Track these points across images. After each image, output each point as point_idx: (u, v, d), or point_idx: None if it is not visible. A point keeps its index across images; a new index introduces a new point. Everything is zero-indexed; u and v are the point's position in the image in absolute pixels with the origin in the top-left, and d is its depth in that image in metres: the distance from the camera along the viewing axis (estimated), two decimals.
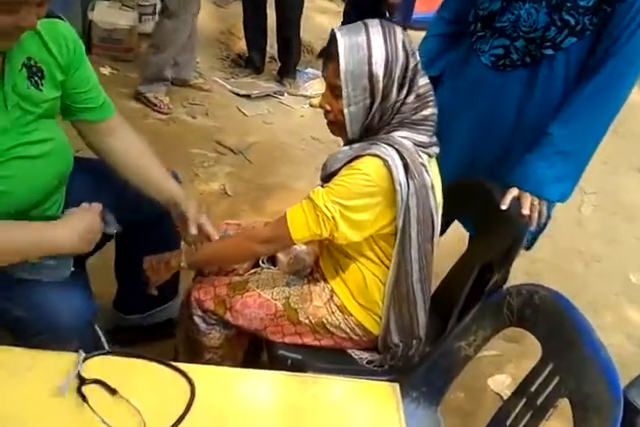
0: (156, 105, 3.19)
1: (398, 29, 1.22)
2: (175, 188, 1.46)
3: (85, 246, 1.23)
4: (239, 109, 3.42)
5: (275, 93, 3.63)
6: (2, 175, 1.22)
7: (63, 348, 1.17)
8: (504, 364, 2.10)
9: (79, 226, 1.21)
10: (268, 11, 3.59)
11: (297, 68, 3.76)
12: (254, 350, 1.56)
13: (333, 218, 1.21)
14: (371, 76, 1.18)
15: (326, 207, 1.20)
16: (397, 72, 1.20)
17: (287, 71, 3.71)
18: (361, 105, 1.21)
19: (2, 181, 1.22)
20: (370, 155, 1.20)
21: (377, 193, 1.20)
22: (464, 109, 1.56)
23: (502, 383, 2.00)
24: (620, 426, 1.09)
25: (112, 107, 1.45)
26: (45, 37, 1.25)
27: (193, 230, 1.40)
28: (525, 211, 1.36)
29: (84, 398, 1.04)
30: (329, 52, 1.21)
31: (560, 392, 0.98)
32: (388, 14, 3.13)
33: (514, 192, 1.39)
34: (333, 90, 1.23)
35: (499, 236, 1.34)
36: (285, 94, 3.66)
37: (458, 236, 1.68)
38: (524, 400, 1.06)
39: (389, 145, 1.20)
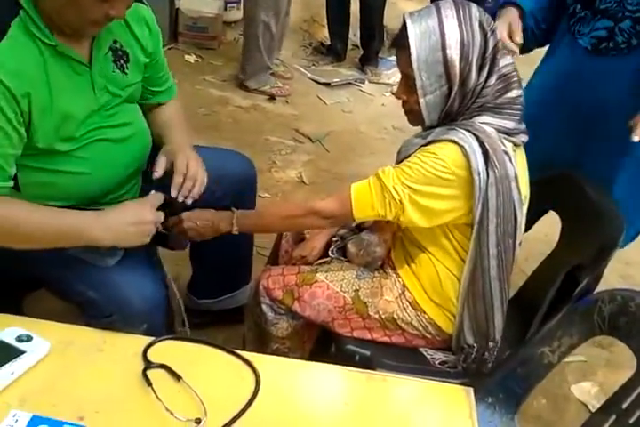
0: (275, 94, 3.24)
1: (474, 8, 1.14)
2: (179, 141, 1.42)
3: (132, 240, 1.19)
4: (319, 97, 3.39)
5: (355, 81, 3.57)
6: (83, 157, 1.24)
7: (132, 330, 1.18)
8: (591, 371, 1.97)
9: (117, 220, 1.17)
10: None
11: (379, 55, 3.68)
12: (323, 343, 1.52)
13: (401, 202, 1.15)
14: (446, 62, 1.12)
15: (395, 190, 1.15)
16: (475, 54, 1.12)
17: (369, 59, 3.65)
18: (438, 93, 1.15)
19: (82, 162, 1.24)
20: (446, 140, 1.13)
21: (452, 181, 1.14)
22: (561, 98, 1.45)
23: (588, 392, 1.87)
24: None
25: (174, 89, 1.50)
26: (129, 21, 1.26)
27: (176, 179, 1.32)
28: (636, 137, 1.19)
29: (148, 381, 1.04)
30: (399, 40, 1.16)
31: None
32: None
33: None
34: (407, 80, 1.17)
35: (591, 234, 1.23)
36: (366, 82, 3.60)
37: (545, 232, 1.57)
38: (614, 417, 0.96)
39: (469, 131, 1.13)
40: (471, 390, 1.11)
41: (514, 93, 1.17)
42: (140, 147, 1.37)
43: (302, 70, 3.60)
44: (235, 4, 3.84)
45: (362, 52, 3.72)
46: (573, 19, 1.38)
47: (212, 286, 1.79)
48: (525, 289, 1.43)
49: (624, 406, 0.95)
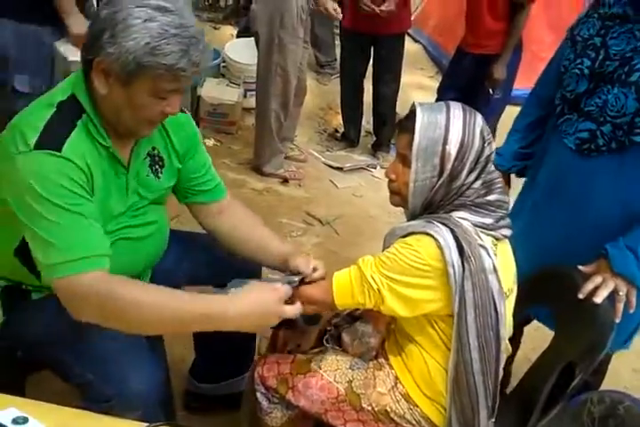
0: (289, 178, 3.36)
1: (479, 116, 1.23)
2: (283, 248, 1.46)
3: (254, 329, 1.23)
4: (331, 181, 3.49)
5: (367, 166, 3.68)
6: None
7: (130, 414, 1.20)
8: None
9: (253, 306, 1.16)
10: (366, 85, 3.72)
11: (391, 142, 3.82)
12: None
13: (379, 291, 1.19)
14: (442, 156, 1.19)
15: (373, 279, 1.19)
16: (471, 157, 1.20)
17: (381, 145, 3.78)
18: (427, 183, 1.21)
19: None
20: (422, 233, 1.18)
21: (428, 272, 1.17)
22: (553, 195, 1.51)
23: None
24: None
25: (224, 189, 1.52)
26: (167, 127, 1.35)
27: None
28: (598, 299, 1.25)
29: None
30: (405, 124, 1.23)
31: None
32: (490, 91, 3.14)
33: (596, 280, 1.29)
34: (403, 160, 1.24)
35: (581, 331, 1.24)
36: (378, 168, 3.70)
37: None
38: None
39: (445, 225, 1.18)
40: None
41: (493, 197, 1.23)
42: (160, 243, 1.44)
43: (316, 155, 3.74)
44: (254, 92, 4.06)
45: (374, 139, 3.86)
46: (561, 119, 1.45)
47: (214, 370, 1.79)
48: (524, 382, 1.41)
49: None
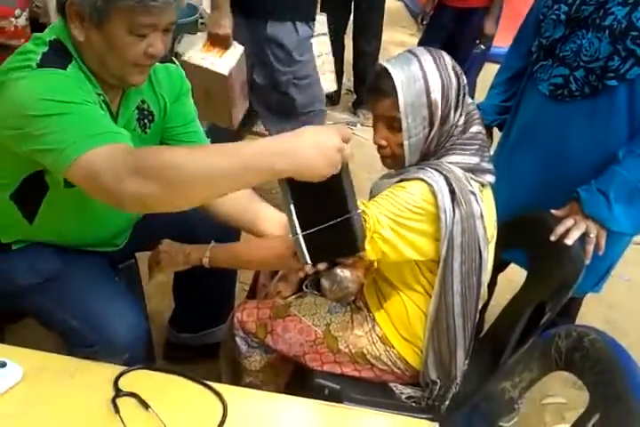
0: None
1: (444, 53, 1.22)
2: (277, 214, 1.39)
3: (318, 167, 0.90)
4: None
5: (348, 124, 3.67)
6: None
7: (114, 359, 1.21)
8: (570, 413, 1.96)
9: (302, 143, 0.90)
10: (346, 42, 3.66)
11: None
12: (297, 377, 1.54)
13: (370, 230, 1.17)
14: (430, 105, 1.18)
15: (365, 220, 1.17)
16: (453, 97, 1.20)
17: (361, 103, 3.76)
18: (421, 135, 1.21)
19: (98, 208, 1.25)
20: (416, 179, 1.18)
21: (421, 215, 1.17)
22: (527, 141, 1.52)
23: None
24: None
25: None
26: (158, 81, 1.31)
27: None
28: (569, 241, 1.28)
29: (116, 409, 1.06)
30: (382, 87, 1.20)
31: None
32: (482, 46, 3.11)
33: (568, 223, 1.31)
34: (390, 124, 1.22)
35: (552, 272, 1.27)
36: (359, 125, 3.69)
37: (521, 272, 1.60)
38: None
39: (437, 170, 1.18)
40: (437, 425, 1.13)
41: (475, 129, 1.24)
42: None
43: None
44: None
45: (355, 97, 3.83)
46: (536, 65, 1.46)
47: (194, 320, 1.82)
48: (497, 324, 1.45)
49: None
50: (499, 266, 1.60)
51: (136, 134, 1.30)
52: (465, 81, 1.22)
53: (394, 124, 1.21)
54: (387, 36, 3.92)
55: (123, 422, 1.04)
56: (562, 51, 1.38)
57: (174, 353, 1.85)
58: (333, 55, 3.68)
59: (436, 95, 1.18)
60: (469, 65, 3.02)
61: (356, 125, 3.68)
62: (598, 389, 0.96)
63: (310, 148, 0.90)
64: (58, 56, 1.14)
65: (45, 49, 1.13)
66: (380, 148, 1.26)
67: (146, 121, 1.32)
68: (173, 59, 1.39)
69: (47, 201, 1.27)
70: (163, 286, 1.99)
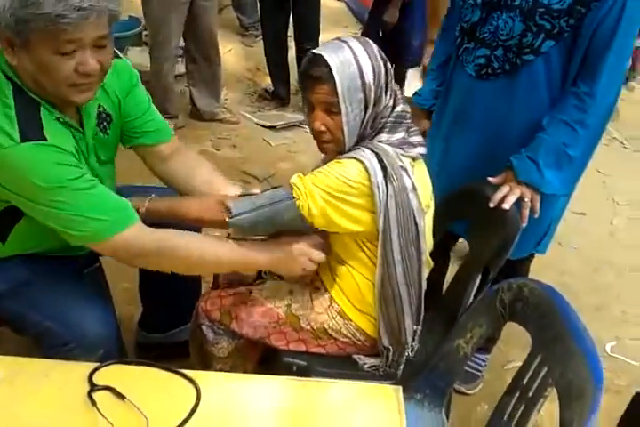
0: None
1: (369, 40, 1.29)
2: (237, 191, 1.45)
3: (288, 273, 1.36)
4: (265, 140, 3.53)
5: (300, 123, 3.73)
6: None
7: (89, 358, 1.25)
8: None
9: (284, 253, 1.29)
10: (289, 44, 3.74)
11: None
12: (265, 362, 1.59)
13: (304, 193, 1.23)
14: (364, 88, 1.23)
15: (304, 186, 1.23)
16: (382, 79, 1.26)
17: None
18: (358, 118, 1.26)
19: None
20: (350, 157, 1.25)
21: (356, 189, 1.23)
22: (460, 121, 1.61)
23: None
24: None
25: (169, 131, 1.51)
26: (105, 81, 1.29)
27: None
28: (506, 205, 1.37)
29: (93, 401, 1.09)
30: (317, 75, 1.24)
31: (548, 382, 0.97)
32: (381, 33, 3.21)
33: (504, 189, 1.40)
34: (328, 109, 1.25)
35: (492, 236, 1.35)
36: None
37: None
38: (518, 394, 1.05)
39: (369, 149, 1.25)
40: (400, 388, 1.19)
41: (400, 108, 1.30)
42: None
43: (248, 116, 3.75)
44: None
45: None
46: (460, 49, 1.55)
47: (162, 320, 1.85)
48: (448, 293, 1.53)
49: (524, 381, 1.04)
50: (448, 239, 1.68)
51: (98, 138, 1.33)
52: (389, 64, 1.29)
53: (332, 109, 1.25)
54: (329, 35, 3.98)
55: (100, 412, 1.07)
56: (481, 33, 1.47)
57: (145, 354, 1.86)
58: (277, 57, 3.78)
59: (369, 78, 1.23)
60: (410, 58, 3.10)
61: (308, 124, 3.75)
62: (539, 332, 1.05)
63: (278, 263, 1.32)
64: (27, 106, 1.16)
65: (11, 94, 1.15)
66: (320, 133, 1.30)
67: (105, 123, 1.35)
68: (116, 52, 1.35)
69: (19, 226, 1.31)
70: (128, 292, 2.02)
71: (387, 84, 1.27)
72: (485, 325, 1.17)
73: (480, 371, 1.94)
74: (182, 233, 1.27)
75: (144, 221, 1.28)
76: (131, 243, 1.22)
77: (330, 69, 1.22)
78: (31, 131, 1.14)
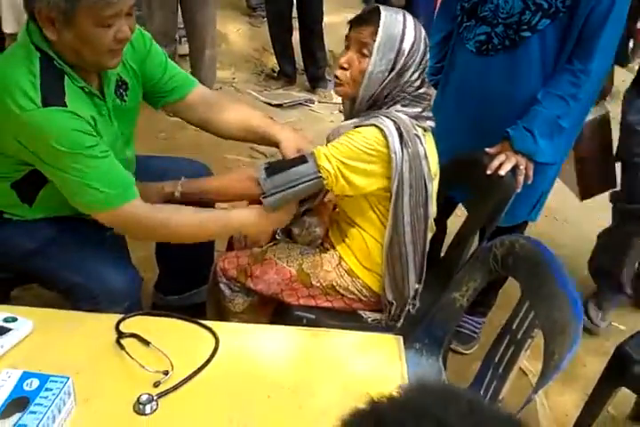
0: None
1: (423, 29, 1.38)
2: (274, 131, 1.53)
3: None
4: (271, 118, 3.61)
5: (306, 102, 3.81)
6: None
7: (115, 310, 1.35)
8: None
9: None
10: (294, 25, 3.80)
11: (327, 77, 3.94)
12: (277, 318, 1.70)
13: (334, 174, 1.33)
14: (398, 51, 1.32)
15: (329, 162, 1.33)
16: (417, 57, 1.35)
17: (316, 80, 3.90)
18: (380, 75, 1.34)
19: None
20: (370, 124, 1.34)
21: (375, 157, 1.33)
22: (460, 95, 1.70)
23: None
24: (614, 373, 1.17)
25: (192, 79, 1.57)
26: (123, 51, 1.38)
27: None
28: (502, 172, 1.47)
29: (121, 346, 1.19)
30: (368, 18, 1.34)
31: (534, 324, 1.08)
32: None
33: (500, 157, 1.50)
34: (362, 48, 1.34)
35: (488, 200, 1.45)
36: (316, 102, 3.84)
37: None
38: (508, 338, 1.16)
39: (387, 117, 1.34)
40: (400, 338, 1.29)
41: (423, 90, 1.40)
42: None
43: (255, 94, 3.84)
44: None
45: (308, 75, 3.97)
46: (461, 27, 1.65)
47: (178, 283, 1.94)
48: (447, 254, 1.64)
49: (514, 326, 1.15)
50: (446, 208, 1.78)
51: (117, 105, 1.42)
52: (429, 56, 1.39)
53: (363, 51, 1.34)
54: (333, 16, 4.06)
55: (129, 355, 1.17)
56: (482, 11, 1.57)
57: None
58: (282, 37, 3.84)
59: (406, 46, 1.32)
60: None
61: (314, 102, 3.83)
62: (527, 281, 1.16)
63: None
64: (52, 75, 1.24)
65: (38, 64, 1.24)
66: (341, 70, 1.38)
67: (121, 90, 1.43)
68: None
69: (46, 189, 1.41)
70: (145, 259, 2.12)
71: (418, 66, 1.36)
72: (479, 279, 1.28)
73: (476, 333, 2.07)
74: (177, 208, 1.40)
75: (180, 204, 1.42)
76: (128, 217, 1.33)
77: (379, 18, 1.31)
78: (53, 97, 1.23)
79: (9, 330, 1.20)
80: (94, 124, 1.30)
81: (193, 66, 3.58)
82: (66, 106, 1.24)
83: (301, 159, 1.37)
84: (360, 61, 1.35)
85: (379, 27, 1.31)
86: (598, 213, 2.94)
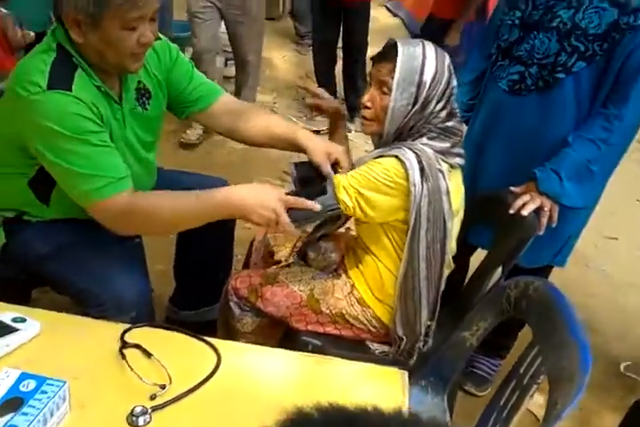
0: None
1: (446, 54, 1.38)
2: (300, 137, 1.52)
3: (256, 216, 1.29)
4: (296, 124, 3.66)
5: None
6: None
7: (122, 319, 1.35)
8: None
9: (253, 192, 1.31)
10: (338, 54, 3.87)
11: None
12: (286, 342, 1.68)
13: (352, 204, 1.33)
14: (419, 84, 1.33)
15: (347, 193, 1.33)
16: (441, 87, 1.35)
17: (355, 109, 3.93)
18: (403, 109, 1.35)
19: None
20: (391, 155, 1.34)
21: (393, 189, 1.33)
22: (489, 134, 1.69)
23: (538, 404, 1.99)
24: None
25: (218, 87, 1.60)
26: (145, 61, 1.42)
27: (326, 168, 1.43)
28: (525, 212, 1.44)
29: (123, 356, 1.20)
30: (386, 54, 1.36)
31: (541, 370, 1.05)
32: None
33: (525, 198, 1.47)
34: (382, 86, 1.36)
35: (508, 240, 1.43)
36: (353, 131, 3.87)
37: None
38: (514, 382, 1.12)
39: (410, 149, 1.34)
40: (405, 373, 1.26)
41: (451, 124, 1.39)
42: (149, 182, 1.59)
43: (294, 120, 3.90)
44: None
45: (347, 104, 4.01)
46: (495, 66, 1.64)
47: (193, 298, 1.95)
48: (464, 292, 1.60)
49: (521, 370, 1.11)
50: (467, 248, 1.75)
51: (137, 113, 1.46)
52: (455, 83, 1.38)
53: (384, 89, 1.35)
54: (376, 48, 4.07)
55: (129, 365, 1.18)
56: (517, 51, 1.57)
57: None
58: (325, 67, 3.90)
59: (427, 78, 1.33)
60: None
61: (350, 131, 3.86)
62: (539, 326, 1.12)
63: (254, 203, 1.31)
64: (64, 66, 1.30)
65: (53, 56, 1.29)
66: (365, 109, 1.40)
67: (144, 99, 1.47)
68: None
69: (58, 188, 1.43)
70: (163, 273, 2.14)
71: (443, 95, 1.35)
72: (490, 318, 1.25)
73: (491, 375, 2.01)
74: (160, 194, 1.40)
75: None
76: (117, 209, 1.31)
77: (397, 53, 1.32)
78: (59, 82, 1.27)
79: (16, 330, 1.21)
80: (100, 117, 1.32)
81: (237, 86, 3.66)
82: (70, 90, 1.27)
83: (322, 189, 1.37)
84: (381, 98, 1.36)
85: (396, 63, 1.32)
86: (635, 263, 2.90)
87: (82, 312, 1.45)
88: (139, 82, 1.46)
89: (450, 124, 1.39)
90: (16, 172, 1.44)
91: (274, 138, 1.56)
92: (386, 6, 6.06)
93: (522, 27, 1.55)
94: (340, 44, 3.83)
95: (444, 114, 1.37)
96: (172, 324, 1.97)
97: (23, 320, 1.23)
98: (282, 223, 1.30)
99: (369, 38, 3.77)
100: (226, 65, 4.14)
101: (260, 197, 1.31)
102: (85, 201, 1.34)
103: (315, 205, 1.31)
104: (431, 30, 3.32)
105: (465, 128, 1.49)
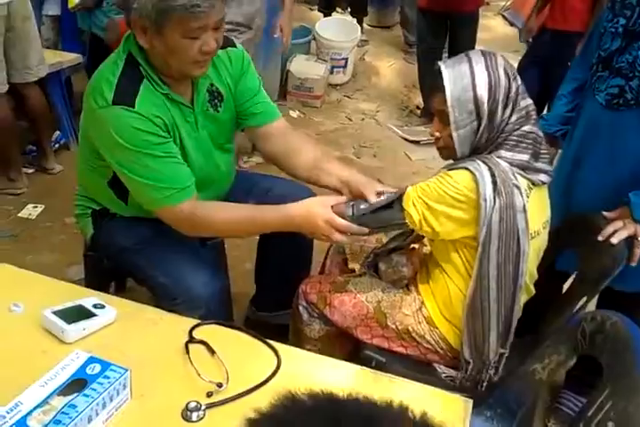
0: None
1: (499, 56, 1.32)
2: (343, 173, 1.53)
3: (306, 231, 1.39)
4: (406, 154, 3.61)
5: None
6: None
7: (191, 314, 1.39)
8: None
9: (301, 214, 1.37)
10: None
11: None
12: (353, 355, 1.66)
13: (418, 218, 1.30)
14: (476, 100, 1.28)
15: (414, 205, 1.30)
16: (501, 94, 1.29)
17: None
18: (468, 128, 1.30)
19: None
20: (462, 168, 1.29)
21: (462, 203, 1.27)
22: (586, 150, 1.58)
23: None
24: None
25: (277, 113, 1.63)
26: (220, 64, 1.51)
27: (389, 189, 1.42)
28: (615, 240, 1.32)
29: (187, 350, 1.24)
30: (435, 85, 1.33)
31: (610, 416, 0.96)
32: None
33: (617, 224, 1.36)
34: (441, 117, 1.33)
35: (596, 268, 1.32)
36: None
37: None
38: (581, 426, 1.03)
39: (484, 162, 1.28)
40: (470, 401, 1.19)
41: (527, 128, 1.31)
42: (225, 186, 1.64)
43: (394, 129, 3.87)
44: (341, 69, 4.23)
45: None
46: (594, 77, 1.53)
47: (271, 300, 1.98)
48: (545, 320, 1.50)
49: (590, 413, 1.02)
50: (557, 274, 1.64)
51: (209, 114, 1.50)
52: (519, 82, 1.31)
53: (443, 118, 1.32)
54: None
55: (190, 359, 1.21)
56: (618, 62, 1.45)
57: (250, 329, 2.03)
58: (429, 76, 3.83)
59: (482, 91, 1.27)
60: None
61: None
62: (611, 366, 1.03)
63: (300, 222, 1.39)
64: (130, 78, 1.36)
65: (122, 67, 1.36)
66: (435, 140, 1.39)
67: (216, 101, 1.51)
68: (233, 40, 1.54)
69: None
70: (250, 272, 2.20)
71: (507, 100, 1.29)
72: (564, 353, 1.16)
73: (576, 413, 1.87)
74: (222, 205, 1.49)
75: None
76: (181, 215, 1.41)
77: (444, 81, 1.29)
78: (124, 96, 1.34)
79: (94, 315, 1.29)
80: (165, 127, 1.39)
81: None
82: (133, 106, 1.34)
83: (387, 203, 1.35)
84: (445, 127, 1.33)
85: (445, 91, 1.28)
86: None
87: (155, 304, 1.52)
88: (211, 84, 1.50)
89: (526, 128, 1.32)
90: (98, 171, 1.54)
91: (318, 182, 1.57)
92: (502, 15, 5.86)
93: (625, 35, 1.44)
94: (446, 54, 3.76)
95: (514, 118, 1.30)
96: (250, 324, 2.05)
97: (102, 307, 1.31)
98: (335, 240, 1.36)
99: (484, 48, 3.67)
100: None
101: (310, 220, 1.36)
102: (150, 207, 1.44)
103: (363, 229, 1.34)
104: (544, 41, 3.17)
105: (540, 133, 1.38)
